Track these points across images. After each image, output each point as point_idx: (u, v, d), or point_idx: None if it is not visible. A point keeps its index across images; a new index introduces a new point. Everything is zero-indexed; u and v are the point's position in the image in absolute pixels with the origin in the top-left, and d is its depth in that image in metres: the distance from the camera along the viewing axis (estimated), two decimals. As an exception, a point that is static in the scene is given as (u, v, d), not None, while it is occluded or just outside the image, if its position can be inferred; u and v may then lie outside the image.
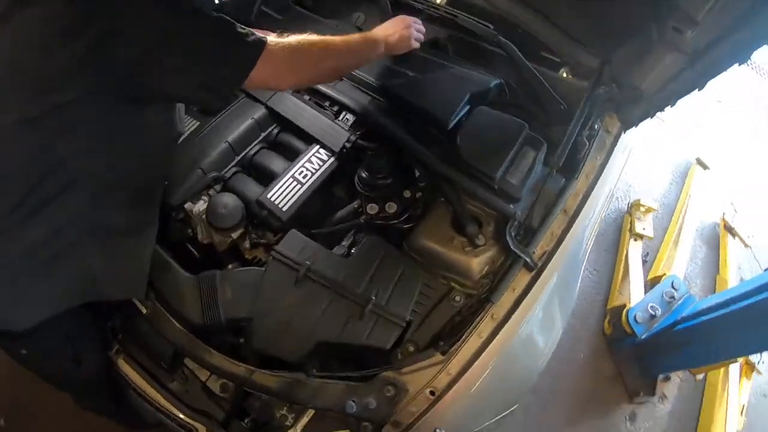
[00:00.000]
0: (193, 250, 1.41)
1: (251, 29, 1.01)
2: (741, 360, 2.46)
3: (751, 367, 2.53)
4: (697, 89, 1.22)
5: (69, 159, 0.95)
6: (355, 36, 1.27)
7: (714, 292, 2.86)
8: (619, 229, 3.01)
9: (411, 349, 1.20)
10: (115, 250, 1.12)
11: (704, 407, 2.45)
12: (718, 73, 1.15)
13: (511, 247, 1.24)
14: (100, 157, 1.00)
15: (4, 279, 1.00)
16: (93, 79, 0.89)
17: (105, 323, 1.33)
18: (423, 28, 1.49)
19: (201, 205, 1.38)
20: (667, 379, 2.49)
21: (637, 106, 1.42)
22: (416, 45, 1.46)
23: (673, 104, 1.32)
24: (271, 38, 1.03)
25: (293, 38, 1.08)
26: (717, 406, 2.37)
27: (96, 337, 1.30)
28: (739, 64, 1.09)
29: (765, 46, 1.05)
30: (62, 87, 0.89)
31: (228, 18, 0.98)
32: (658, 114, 1.40)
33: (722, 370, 2.43)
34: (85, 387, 1.40)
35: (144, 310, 1.25)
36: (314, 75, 1.21)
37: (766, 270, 2.01)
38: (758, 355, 2.53)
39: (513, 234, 1.27)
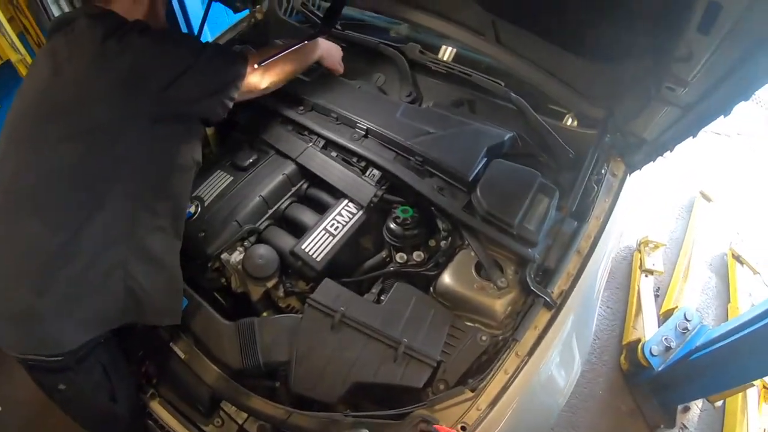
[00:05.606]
0: (220, 298, 1.46)
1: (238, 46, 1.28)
2: (759, 384, 2.42)
3: (769, 391, 2.48)
4: (691, 137, 1.32)
5: (114, 166, 1.12)
6: (307, 44, 1.58)
7: (727, 320, 2.84)
8: (629, 267, 3.03)
9: (441, 387, 1.22)
10: (152, 274, 1.20)
11: (725, 435, 2.40)
12: (709, 122, 1.24)
13: (532, 288, 1.28)
14: (140, 167, 1.15)
15: (62, 294, 1.08)
16: (127, 103, 1.09)
17: (137, 368, 1.37)
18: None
19: (237, 256, 1.44)
20: (686, 409, 2.46)
21: (640, 152, 1.51)
22: (341, 70, 1.81)
23: (672, 149, 1.41)
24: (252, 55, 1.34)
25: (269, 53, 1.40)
26: (738, 432, 2.32)
27: (129, 378, 1.33)
28: (725, 116, 1.17)
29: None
30: (101, 108, 1.10)
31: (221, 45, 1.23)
32: (660, 155, 1.48)
33: (740, 395, 2.40)
34: (117, 429, 1.41)
35: (182, 355, 1.29)
36: (281, 81, 1.49)
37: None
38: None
39: (532, 276, 1.31)
